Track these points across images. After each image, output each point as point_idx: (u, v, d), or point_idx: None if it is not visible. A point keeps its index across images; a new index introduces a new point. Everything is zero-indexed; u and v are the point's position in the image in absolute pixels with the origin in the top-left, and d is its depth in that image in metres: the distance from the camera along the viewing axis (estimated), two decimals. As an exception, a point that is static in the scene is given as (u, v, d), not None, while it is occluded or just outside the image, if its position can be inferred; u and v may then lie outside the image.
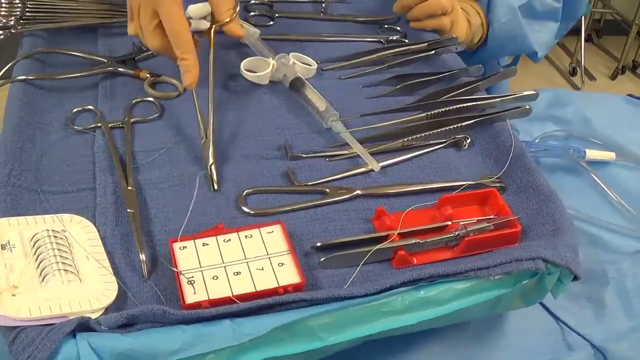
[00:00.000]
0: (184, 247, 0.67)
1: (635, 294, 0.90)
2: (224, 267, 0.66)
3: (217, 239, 0.68)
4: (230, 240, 0.68)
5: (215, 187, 0.77)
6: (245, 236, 0.69)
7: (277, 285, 0.64)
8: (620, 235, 0.98)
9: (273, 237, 0.69)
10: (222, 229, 0.70)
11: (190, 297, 0.62)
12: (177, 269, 0.65)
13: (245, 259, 0.67)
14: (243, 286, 0.64)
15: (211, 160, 0.78)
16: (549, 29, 1.25)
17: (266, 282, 0.64)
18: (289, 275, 0.65)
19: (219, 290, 0.63)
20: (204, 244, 0.68)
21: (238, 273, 0.65)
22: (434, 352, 0.79)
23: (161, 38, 0.84)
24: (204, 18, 0.94)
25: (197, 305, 0.61)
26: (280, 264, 0.66)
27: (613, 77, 3.47)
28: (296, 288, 0.64)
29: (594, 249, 0.96)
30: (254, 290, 0.63)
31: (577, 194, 1.02)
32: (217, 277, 0.64)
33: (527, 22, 1.21)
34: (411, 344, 0.78)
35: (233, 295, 0.62)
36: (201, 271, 0.65)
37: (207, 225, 0.71)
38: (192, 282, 0.63)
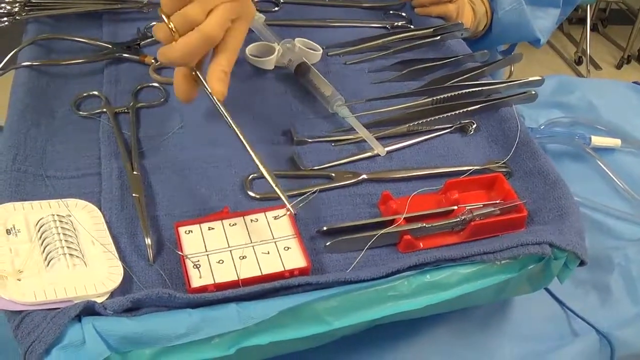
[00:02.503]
0: (189, 231, 0.67)
1: (641, 280, 0.90)
2: (230, 251, 0.65)
3: (222, 223, 0.68)
4: (236, 224, 0.68)
5: None
6: (251, 220, 0.69)
7: (283, 269, 0.64)
8: (625, 221, 0.97)
9: (279, 221, 0.69)
10: (227, 213, 0.69)
11: (196, 281, 0.62)
12: (182, 252, 0.64)
13: (251, 242, 0.66)
14: (249, 270, 0.63)
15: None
16: (550, 15, 1.25)
17: (272, 266, 0.64)
18: (295, 259, 0.65)
19: (225, 274, 0.63)
20: (209, 228, 0.67)
21: (244, 257, 0.65)
22: (439, 338, 0.79)
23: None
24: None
25: (203, 289, 0.61)
26: (286, 248, 0.66)
27: (618, 66, 3.46)
28: (302, 272, 0.64)
29: (600, 236, 0.95)
30: (260, 274, 0.63)
31: (582, 181, 1.02)
32: (223, 261, 0.64)
33: (531, 9, 1.20)
34: (416, 330, 0.78)
35: (239, 279, 0.62)
36: (207, 255, 0.65)
37: (212, 210, 0.71)
38: (198, 266, 0.63)
